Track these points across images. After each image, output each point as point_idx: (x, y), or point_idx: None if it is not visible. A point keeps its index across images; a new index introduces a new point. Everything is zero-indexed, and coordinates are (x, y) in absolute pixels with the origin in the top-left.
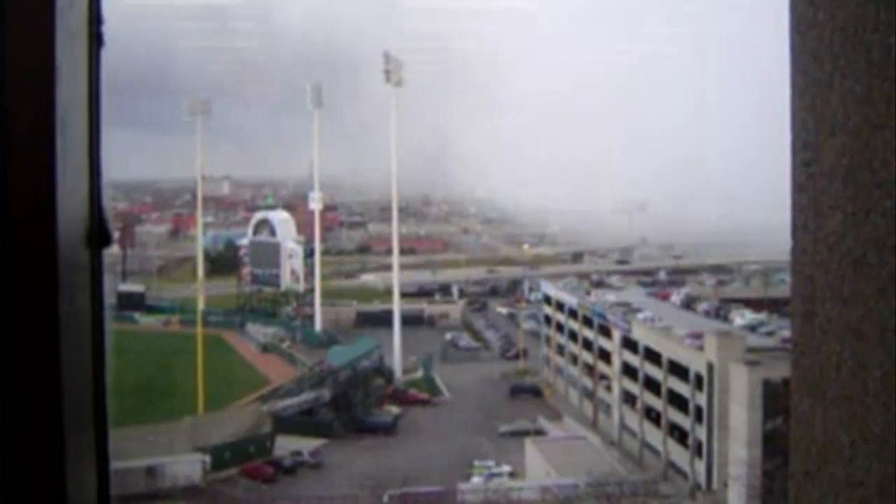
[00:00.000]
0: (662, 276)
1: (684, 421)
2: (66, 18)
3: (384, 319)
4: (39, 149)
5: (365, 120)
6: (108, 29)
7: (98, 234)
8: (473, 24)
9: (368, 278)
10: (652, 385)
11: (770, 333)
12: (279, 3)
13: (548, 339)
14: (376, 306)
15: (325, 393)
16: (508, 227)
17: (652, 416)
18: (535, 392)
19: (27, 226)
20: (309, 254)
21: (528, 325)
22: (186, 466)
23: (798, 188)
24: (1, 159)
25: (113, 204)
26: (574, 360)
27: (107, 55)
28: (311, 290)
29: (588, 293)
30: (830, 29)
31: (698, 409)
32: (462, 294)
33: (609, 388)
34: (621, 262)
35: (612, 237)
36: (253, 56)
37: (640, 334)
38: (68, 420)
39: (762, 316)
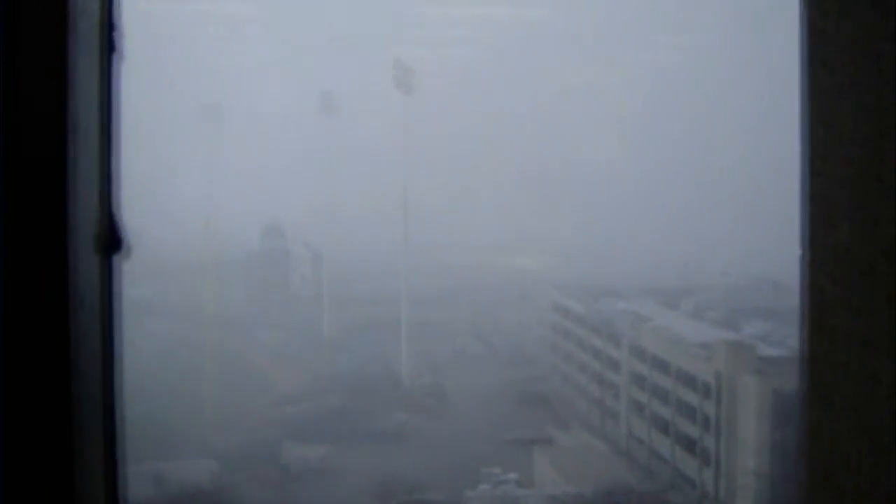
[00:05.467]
0: (671, 283)
1: (693, 430)
2: (80, 26)
3: (392, 324)
4: (52, 155)
5: (376, 126)
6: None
7: (110, 240)
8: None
9: (378, 283)
10: (660, 394)
11: (780, 343)
12: (291, 9)
13: (556, 347)
14: (384, 311)
15: (333, 398)
16: (518, 233)
17: (660, 425)
18: (543, 400)
19: (39, 231)
20: (317, 258)
21: (536, 331)
22: (194, 471)
23: (808, 197)
24: (14, 165)
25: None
26: (582, 367)
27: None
28: (319, 295)
29: (596, 301)
30: (841, 39)
31: (707, 419)
32: (470, 299)
33: (617, 397)
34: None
35: (622, 244)
36: (263, 61)
37: (649, 343)
38: (79, 425)
39: (772, 325)
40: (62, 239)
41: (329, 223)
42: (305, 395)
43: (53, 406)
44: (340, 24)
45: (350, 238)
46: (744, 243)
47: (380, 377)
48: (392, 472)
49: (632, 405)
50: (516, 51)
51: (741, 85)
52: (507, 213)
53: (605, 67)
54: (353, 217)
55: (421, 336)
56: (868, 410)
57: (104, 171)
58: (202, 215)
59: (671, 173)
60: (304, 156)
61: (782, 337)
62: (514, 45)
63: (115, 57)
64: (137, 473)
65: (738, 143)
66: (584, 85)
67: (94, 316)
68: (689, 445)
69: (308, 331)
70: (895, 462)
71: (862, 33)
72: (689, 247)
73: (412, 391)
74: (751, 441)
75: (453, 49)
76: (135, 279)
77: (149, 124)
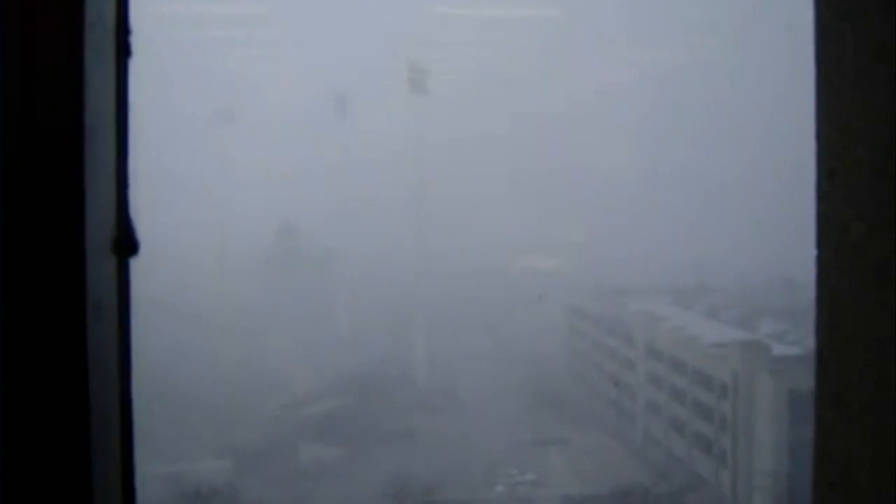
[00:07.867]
0: (687, 283)
1: (709, 430)
2: (95, 30)
3: (406, 324)
4: (68, 158)
5: (390, 128)
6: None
7: (125, 243)
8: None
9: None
10: (676, 393)
11: (796, 342)
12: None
13: (571, 347)
14: (398, 311)
15: (347, 399)
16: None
17: (675, 425)
18: (559, 400)
19: (55, 234)
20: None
21: (551, 331)
22: (210, 472)
23: (822, 198)
24: (30, 168)
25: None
26: (598, 367)
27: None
28: (333, 295)
29: (611, 301)
30: (854, 40)
31: (722, 418)
32: (485, 299)
33: (633, 397)
34: None
35: (638, 244)
36: (277, 62)
37: (664, 342)
38: (95, 429)
39: (788, 324)
40: (80, 242)
41: (343, 223)
42: (320, 395)
43: (70, 409)
44: (355, 25)
45: (364, 238)
46: (759, 243)
47: (394, 377)
48: (407, 473)
49: (647, 405)
50: (530, 52)
51: (757, 85)
52: (522, 214)
53: (621, 68)
54: (366, 217)
55: (435, 336)
56: (882, 410)
57: (119, 174)
58: (216, 216)
59: (687, 173)
60: (318, 157)
61: (798, 336)
62: (529, 46)
63: (129, 61)
64: (154, 474)
65: (754, 143)
66: (599, 85)
67: (111, 319)
68: (705, 445)
69: (322, 331)
70: None
71: (876, 35)
72: (704, 246)
73: (427, 391)
74: (767, 441)
75: (467, 50)
76: (148, 280)
77: (163, 126)
